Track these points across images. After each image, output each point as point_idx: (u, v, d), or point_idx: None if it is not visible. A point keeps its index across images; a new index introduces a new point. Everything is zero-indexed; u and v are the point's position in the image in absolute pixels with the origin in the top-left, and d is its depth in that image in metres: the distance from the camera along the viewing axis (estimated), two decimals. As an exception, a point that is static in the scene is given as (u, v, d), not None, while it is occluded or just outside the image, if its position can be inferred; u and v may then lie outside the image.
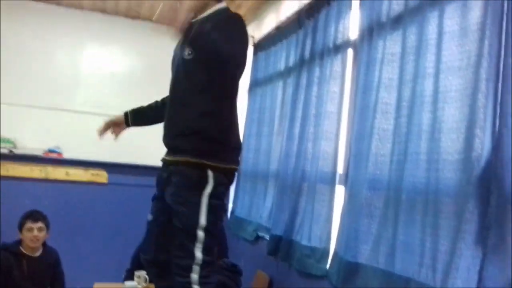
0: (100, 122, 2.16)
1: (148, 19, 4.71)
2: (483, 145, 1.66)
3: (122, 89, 4.90)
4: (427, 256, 1.87)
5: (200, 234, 1.62)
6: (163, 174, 1.77)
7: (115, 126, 2.13)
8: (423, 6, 2.08)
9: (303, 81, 3.24)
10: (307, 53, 3.27)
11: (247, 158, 4.34)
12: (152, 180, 1.98)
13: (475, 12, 1.79)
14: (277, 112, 3.76)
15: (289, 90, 3.52)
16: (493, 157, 1.63)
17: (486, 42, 1.69)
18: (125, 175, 4.69)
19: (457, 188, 1.76)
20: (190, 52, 1.57)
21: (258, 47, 4.45)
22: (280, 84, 3.77)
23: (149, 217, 1.86)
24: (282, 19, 3.97)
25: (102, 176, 4.62)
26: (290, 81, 3.53)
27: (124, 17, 4.72)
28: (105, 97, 4.81)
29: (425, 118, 1.99)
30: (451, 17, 1.91)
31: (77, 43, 4.82)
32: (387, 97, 2.27)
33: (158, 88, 4.83)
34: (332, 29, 2.94)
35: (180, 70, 1.65)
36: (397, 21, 2.27)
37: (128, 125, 2.10)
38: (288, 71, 3.62)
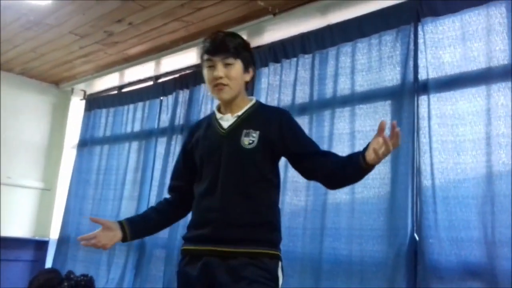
0: None
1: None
2: (406, 225, 2.14)
3: None
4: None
5: None
6: (215, 270, 1.49)
7: (107, 231, 1.57)
8: (333, 103, 2.51)
9: (176, 148, 3.25)
10: (179, 121, 3.32)
11: (78, 223, 3.94)
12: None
13: (386, 119, 2.31)
14: (129, 177, 3.61)
15: (151, 155, 3.47)
16: (415, 235, 2.12)
17: (404, 146, 2.20)
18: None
19: (384, 260, 2.18)
20: (251, 141, 1.53)
21: (93, 103, 4.17)
22: (134, 147, 3.65)
23: None
24: (129, 81, 3.88)
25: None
26: (151, 146, 3.48)
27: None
28: None
29: (342, 198, 2.38)
30: (363, 119, 2.38)
31: None
32: (296, 177, 2.58)
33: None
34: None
35: (237, 158, 1.53)
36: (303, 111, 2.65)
37: (125, 239, 1.60)
38: (146, 136, 3.56)
